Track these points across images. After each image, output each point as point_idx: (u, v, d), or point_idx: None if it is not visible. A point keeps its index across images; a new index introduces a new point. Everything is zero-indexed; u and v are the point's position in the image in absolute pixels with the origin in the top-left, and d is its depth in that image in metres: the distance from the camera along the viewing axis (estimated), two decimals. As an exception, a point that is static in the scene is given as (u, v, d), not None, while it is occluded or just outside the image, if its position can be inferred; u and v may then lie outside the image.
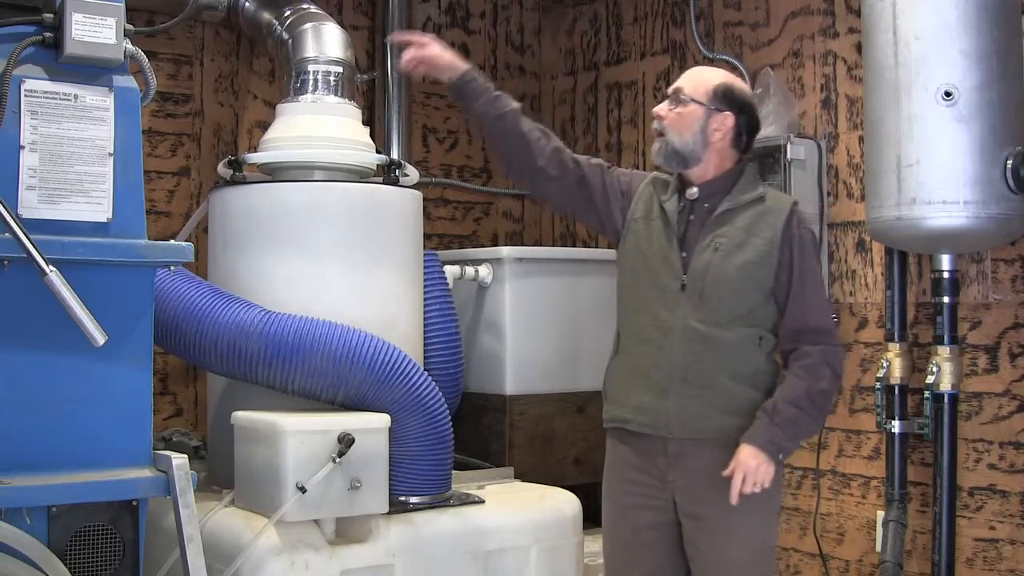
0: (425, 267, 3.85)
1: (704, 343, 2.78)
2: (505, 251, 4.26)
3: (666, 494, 2.83)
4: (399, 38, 3.00)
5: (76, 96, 2.50)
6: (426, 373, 3.42)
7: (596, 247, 4.98)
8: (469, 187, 5.12)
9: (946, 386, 3.60)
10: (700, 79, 2.90)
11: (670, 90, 2.91)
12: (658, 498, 2.84)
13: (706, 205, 2.86)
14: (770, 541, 2.90)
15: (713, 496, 2.76)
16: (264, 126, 4.03)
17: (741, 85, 2.95)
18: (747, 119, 2.89)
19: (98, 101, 2.52)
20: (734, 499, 2.69)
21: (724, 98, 2.85)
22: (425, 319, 3.83)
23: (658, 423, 2.81)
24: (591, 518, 4.79)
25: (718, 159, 2.87)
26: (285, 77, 3.96)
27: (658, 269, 2.85)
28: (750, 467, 2.69)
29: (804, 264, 2.83)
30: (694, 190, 2.87)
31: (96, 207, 2.51)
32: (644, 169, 4.91)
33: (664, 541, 2.86)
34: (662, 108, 2.89)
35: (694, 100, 2.84)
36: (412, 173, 3.91)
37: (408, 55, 2.90)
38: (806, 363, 2.80)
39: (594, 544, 4.42)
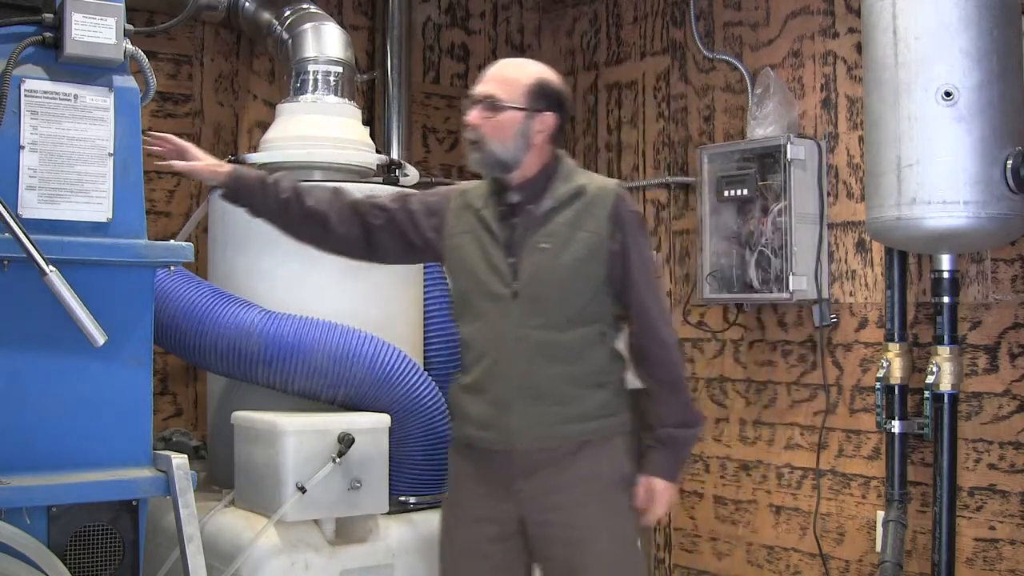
0: (425, 267, 3.85)
1: (542, 350, 2.68)
2: (505, 251, 4.25)
3: (511, 505, 2.71)
4: (153, 139, 2.80)
5: (76, 96, 2.50)
6: (426, 373, 3.42)
7: (596, 247, 4.98)
8: (469, 187, 5.12)
9: (946, 386, 3.60)
10: (512, 80, 2.71)
11: (479, 94, 2.71)
12: (502, 510, 2.72)
13: (529, 207, 2.73)
14: (626, 542, 2.79)
15: (562, 502, 2.70)
16: (264, 126, 4.03)
17: (553, 76, 2.77)
18: (564, 112, 2.76)
19: (98, 101, 2.52)
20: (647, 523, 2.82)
21: (541, 96, 2.71)
22: (425, 319, 3.83)
23: (502, 438, 2.69)
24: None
25: (537, 158, 2.74)
26: (285, 77, 3.97)
27: (487, 280, 2.72)
28: (665, 498, 2.77)
29: (635, 250, 2.74)
30: (516, 195, 2.74)
31: (96, 207, 2.51)
32: (644, 168, 4.91)
33: (505, 554, 2.75)
34: (475, 116, 2.70)
35: (511, 106, 2.68)
36: (412, 173, 3.91)
37: (173, 160, 2.77)
38: (665, 373, 2.77)
39: (594, 544, 4.42)
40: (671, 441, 2.76)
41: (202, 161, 2.79)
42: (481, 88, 2.73)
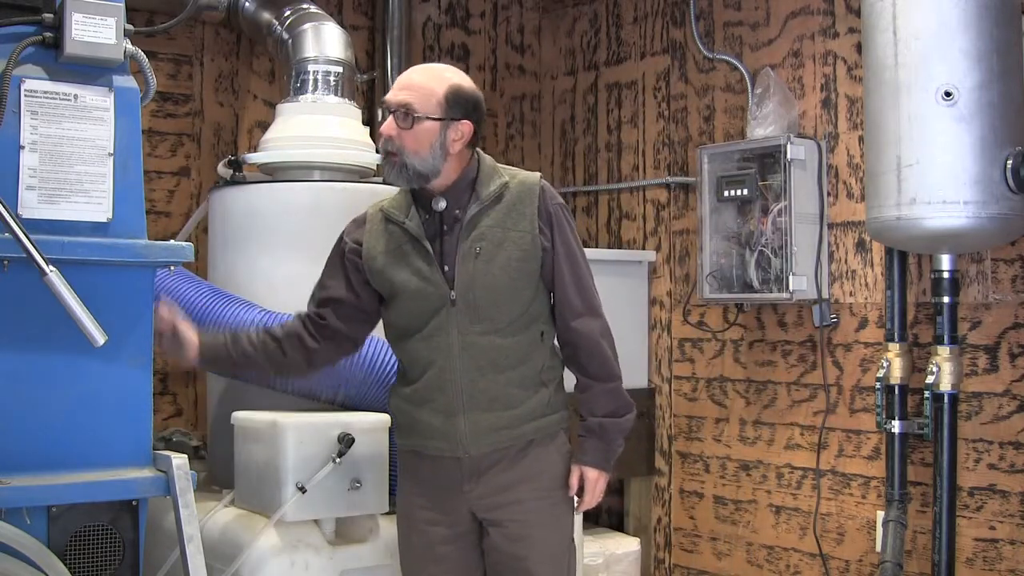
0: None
1: (486, 356, 2.67)
2: (505, 251, 4.25)
3: (461, 506, 2.73)
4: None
5: (76, 96, 2.50)
6: (426, 373, 3.42)
7: (596, 247, 4.98)
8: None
9: (946, 386, 3.60)
10: (427, 89, 2.66)
11: (393, 104, 2.66)
12: (452, 512, 2.74)
13: (456, 212, 2.71)
14: (567, 537, 2.82)
15: (510, 500, 2.71)
16: (264, 126, 4.04)
17: (467, 81, 2.74)
18: (479, 117, 2.73)
19: (98, 101, 2.52)
20: (580, 511, 2.83)
21: (456, 104, 2.67)
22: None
23: (452, 445, 2.70)
24: (591, 518, 4.80)
25: (457, 164, 2.71)
26: (285, 77, 3.97)
27: (422, 291, 2.69)
28: (599, 487, 2.78)
29: (562, 243, 2.73)
30: (441, 201, 2.71)
31: (96, 207, 2.51)
32: (631, 168, 4.91)
33: (459, 553, 2.77)
34: (391, 127, 2.66)
35: (428, 117, 2.64)
36: (412, 173, 3.89)
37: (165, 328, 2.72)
38: (596, 363, 2.77)
39: (594, 544, 4.43)
40: (602, 431, 2.77)
41: (183, 333, 2.73)
42: (396, 97, 2.68)
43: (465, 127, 2.69)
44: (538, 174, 2.80)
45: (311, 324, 2.84)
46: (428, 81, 2.69)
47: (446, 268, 2.69)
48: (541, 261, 2.72)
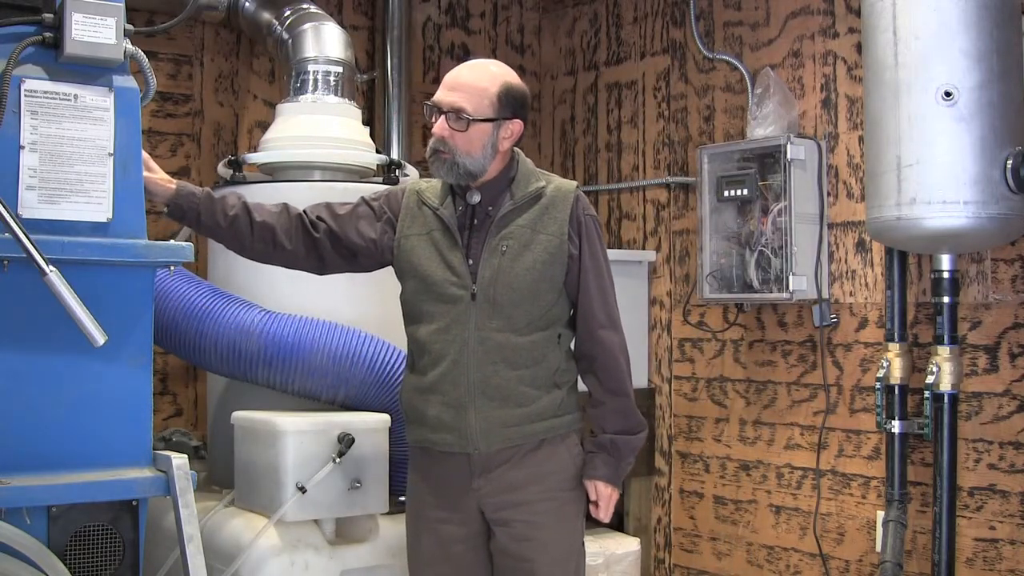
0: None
1: (501, 352, 2.67)
2: (505, 251, 4.25)
3: (471, 504, 2.72)
4: None
5: (76, 96, 2.50)
6: (426, 373, 3.42)
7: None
8: (469, 187, 5.11)
9: (946, 386, 3.60)
10: (480, 90, 2.67)
11: (447, 104, 2.66)
12: (463, 510, 2.73)
13: (488, 208, 2.73)
14: (576, 541, 2.83)
15: (519, 499, 2.71)
16: (264, 126, 4.04)
17: (516, 78, 2.75)
18: (526, 114, 2.74)
19: (98, 101, 2.52)
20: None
21: (507, 103, 2.69)
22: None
23: (462, 441, 2.69)
24: (591, 518, 4.80)
25: (500, 161, 2.73)
26: (285, 77, 3.97)
27: (444, 281, 2.70)
28: (612, 501, 2.80)
29: (589, 254, 2.75)
30: (476, 195, 2.73)
31: (96, 207, 2.50)
32: (632, 170, 4.91)
33: (470, 553, 2.76)
34: (443, 128, 2.66)
35: (482, 119, 2.66)
36: (412, 173, 3.91)
37: None
38: (612, 380, 2.77)
39: (594, 544, 4.42)
40: (613, 447, 2.77)
41: (155, 174, 2.72)
42: (447, 97, 2.68)
43: (516, 126, 2.72)
44: (575, 183, 2.82)
45: (297, 224, 2.80)
46: (479, 80, 2.70)
47: (471, 262, 2.70)
48: (566, 267, 2.73)
